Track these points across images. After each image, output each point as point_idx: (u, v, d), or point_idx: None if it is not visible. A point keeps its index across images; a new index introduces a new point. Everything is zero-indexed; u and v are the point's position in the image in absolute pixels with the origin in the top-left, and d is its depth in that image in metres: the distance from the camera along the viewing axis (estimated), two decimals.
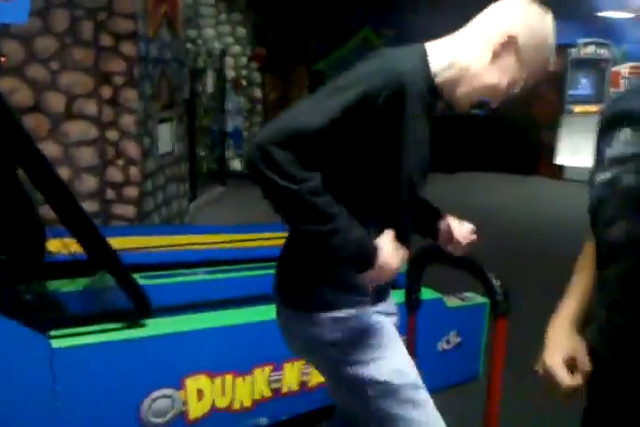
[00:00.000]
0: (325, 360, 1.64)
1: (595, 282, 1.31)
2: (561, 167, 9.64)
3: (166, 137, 5.27)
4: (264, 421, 2.58)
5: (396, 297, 1.87)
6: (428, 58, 1.54)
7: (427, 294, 2.86)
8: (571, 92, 9.44)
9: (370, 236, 1.47)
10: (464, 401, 2.86)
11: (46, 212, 2.13)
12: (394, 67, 1.45)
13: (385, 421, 1.59)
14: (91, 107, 4.58)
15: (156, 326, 2.30)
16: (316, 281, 1.58)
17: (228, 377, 2.44)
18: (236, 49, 9.26)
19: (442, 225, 1.73)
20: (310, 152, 1.37)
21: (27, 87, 4.49)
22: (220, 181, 8.69)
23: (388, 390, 1.57)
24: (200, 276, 2.97)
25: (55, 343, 2.09)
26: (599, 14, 10.21)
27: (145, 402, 2.26)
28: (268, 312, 2.53)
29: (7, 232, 2.32)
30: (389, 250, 1.45)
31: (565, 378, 1.27)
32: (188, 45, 7.65)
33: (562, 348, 1.31)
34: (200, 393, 2.38)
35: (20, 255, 2.30)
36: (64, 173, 4.49)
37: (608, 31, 10.33)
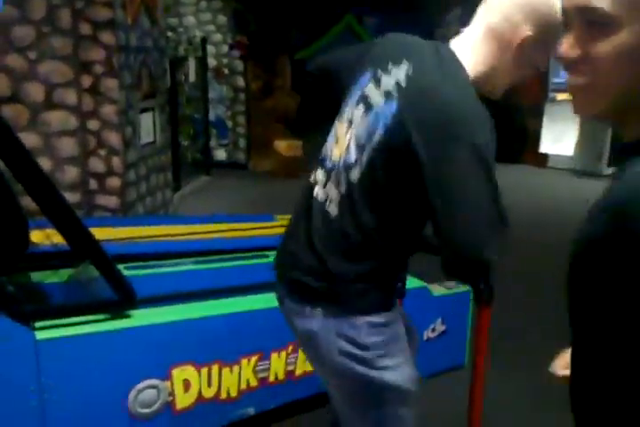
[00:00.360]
0: (354, 365, 1.58)
1: None
2: (545, 155, 9.68)
3: (148, 127, 5.23)
4: (251, 411, 2.59)
5: None
6: (469, 79, 1.50)
7: (412, 282, 2.87)
8: (554, 79, 9.46)
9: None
10: (449, 388, 2.89)
11: (29, 203, 2.11)
12: (481, 134, 1.42)
13: (388, 424, 1.62)
14: (70, 96, 4.52)
15: (142, 317, 2.29)
16: (366, 285, 1.56)
17: (215, 367, 2.44)
18: (218, 37, 9.19)
19: None
20: None
21: (4, 77, 4.42)
22: (205, 171, 8.65)
23: (406, 396, 1.61)
24: (185, 266, 2.96)
25: (39, 335, 2.07)
26: None
27: (131, 393, 2.26)
28: (254, 302, 2.54)
29: None
30: None
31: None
32: (169, 34, 7.57)
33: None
34: (186, 383, 2.38)
35: (2, 247, 2.27)
36: (45, 163, 4.44)
37: None
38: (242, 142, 9.45)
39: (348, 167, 1.54)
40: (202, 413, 2.44)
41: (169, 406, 2.36)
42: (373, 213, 1.50)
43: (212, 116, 9.15)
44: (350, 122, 1.58)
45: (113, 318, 2.25)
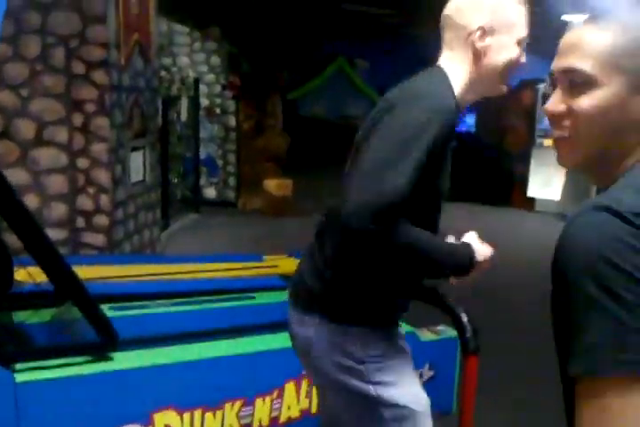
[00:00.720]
0: (348, 378, 1.58)
1: None
2: (532, 199, 9.78)
3: (138, 165, 5.23)
4: None
5: None
6: (451, 86, 1.57)
7: None
8: (540, 126, 9.60)
9: None
10: None
11: (15, 241, 2.09)
12: (440, 107, 1.47)
13: None
14: (61, 134, 4.53)
15: (124, 360, 2.25)
16: (368, 297, 1.57)
17: (197, 412, 2.39)
18: (210, 77, 9.30)
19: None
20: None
21: None
22: (194, 209, 8.66)
23: (404, 415, 1.56)
24: (169, 307, 2.92)
25: (19, 377, 2.02)
26: None
27: None
28: (239, 345, 2.50)
29: None
30: (479, 245, 1.57)
31: None
32: (163, 73, 7.66)
33: None
34: None
35: None
36: (34, 200, 4.43)
37: None
38: (232, 181, 9.48)
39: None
40: None
41: None
42: None
43: (202, 155, 9.21)
44: None
45: (94, 361, 2.20)
